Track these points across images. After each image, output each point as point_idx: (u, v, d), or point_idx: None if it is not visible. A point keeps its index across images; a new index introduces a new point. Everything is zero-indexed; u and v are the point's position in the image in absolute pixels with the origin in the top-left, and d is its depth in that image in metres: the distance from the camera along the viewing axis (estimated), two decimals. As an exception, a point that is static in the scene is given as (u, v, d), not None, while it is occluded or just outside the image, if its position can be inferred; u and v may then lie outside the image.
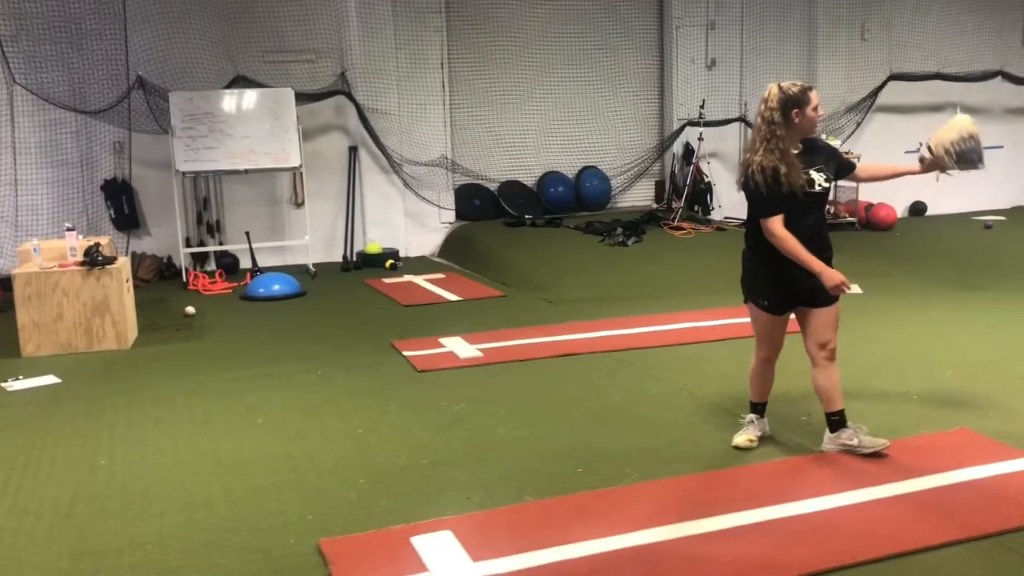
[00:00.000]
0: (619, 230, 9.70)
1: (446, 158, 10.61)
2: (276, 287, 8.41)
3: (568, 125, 11.24)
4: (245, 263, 9.66)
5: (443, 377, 5.63)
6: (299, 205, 10.14)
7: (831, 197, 11.57)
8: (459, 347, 6.22)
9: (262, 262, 9.41)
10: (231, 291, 8.73)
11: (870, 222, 11.51)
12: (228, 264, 9.67)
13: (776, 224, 3.91)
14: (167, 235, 9.57)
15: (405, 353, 6.14)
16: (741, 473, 4.02)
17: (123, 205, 9.51)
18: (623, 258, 8.95)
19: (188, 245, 9.47)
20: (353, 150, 10.31)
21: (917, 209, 12.74)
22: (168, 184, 9.33)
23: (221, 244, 9.85)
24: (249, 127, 9.16)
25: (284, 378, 5.71)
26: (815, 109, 3.94)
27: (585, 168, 11.30)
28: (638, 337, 6.37)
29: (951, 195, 12.87)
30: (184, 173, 9.12)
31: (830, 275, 3.89)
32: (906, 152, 12.56)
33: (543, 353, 6.04)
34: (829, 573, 3.12)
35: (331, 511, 3.76)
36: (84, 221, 9.15)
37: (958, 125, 4.11)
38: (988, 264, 9.13)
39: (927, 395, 5.01)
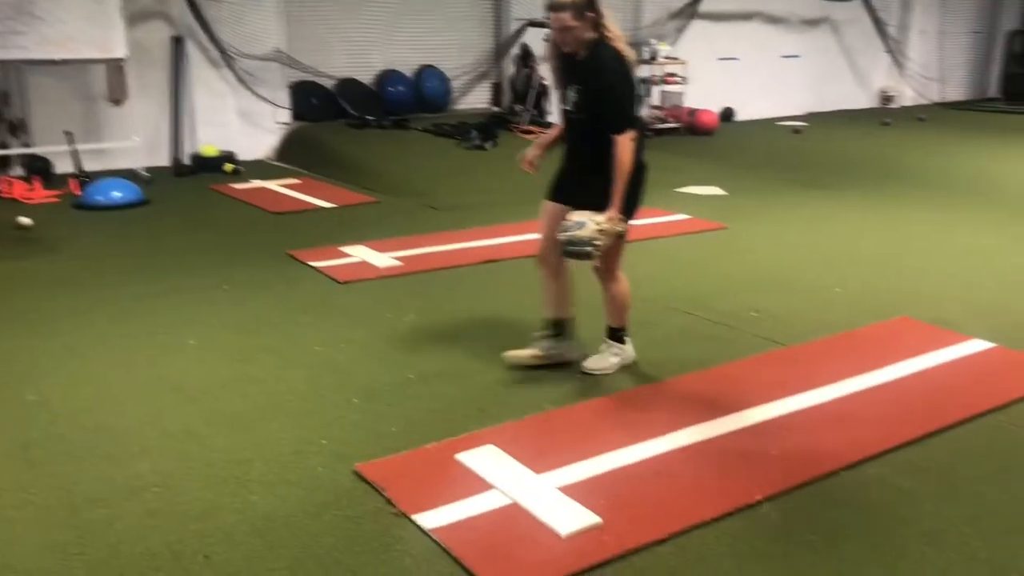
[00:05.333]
0: (474, 133, 9.49)
1: (281, 51, 9.83)
2: (116, 194, 7.53)
3: (407, 21, 10.75)
4: (60, 168, 8.55)
5: (371, 288, 5.31)
6: (118, 102, 9.05)
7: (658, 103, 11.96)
8: (370, 256, 5.88)
9: (79, 166, 8.36)
10: (58, 199, 7.72)
11: (693, 126, 12.01)
12: (40, 169, 8.49)
13: None
14: (-40, 135, 8.26)
15: (313, 264, 5.72)
16: (735, 369, 4.11)
17: (-100, 99, 8.06)
18: (487, 162, 8.80)
19: (-11, 147, 8.22)
20: (177, 41, 9.30)
21: (726, 115, 13.44)
22: (-40, 75, 8.00)
23: (27, 146, 8.63)
24: (64, 10, 7.98)
25: (189, 294, 5.14)
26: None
27: (424, 67, 10.89)
28: (550, 240, 6.31)
29: (755, 102, 13.72)
30: (-14, 62, 7.83)
31: None
32: (719, 59, 13.22)
33: (465, 260, 5.84)
34: (873, 459, 3.27)
35: (343, 435, 3.46)
36: None
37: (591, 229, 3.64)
38: (818, 165, 9.83)
39: (849, 288, 5.34)
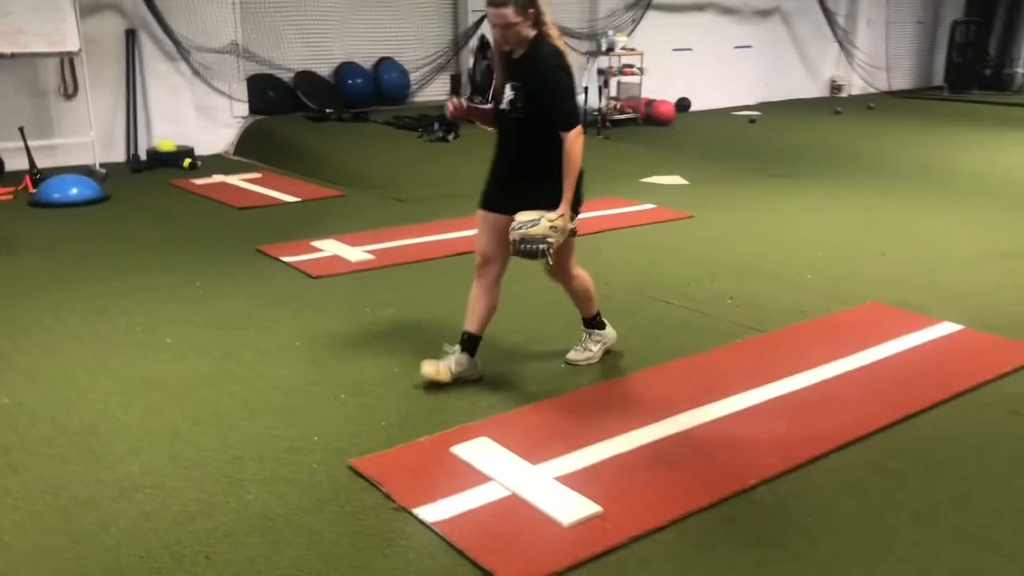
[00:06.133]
0: (436, 125, 9.46)
1: (236, 44, 9.68)
2: (74, 191, 7.36)
3: (365, 12, 10.66)
4: (12, 164, 8.33)
5: (346, 282, 5.27)
6: (70, 97, 8.85)
7: (613, 93, 12.00)
8: (341, 250, 5.84)
9: (31, 163, 8.15)
10: (11, 197, 7.52)
11: (651, 117, 12.10)
12: (-8, 166, 8.28)
13: None
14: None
15: (285, 259, 5.66)
16: (717, 356, 4.17)
17: None
18: (451, 154, 8.77)
19: (-64, 143, 7.97)
20: (131, 34, 9.10)
21: (682, 105, 13.54)
22: (-95, 69, 7.75)
23: (-24, 142, 8.39)
24: (13, 1, 7.76)
25: (161, 292, 5.06)
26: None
27: (383, 60, 10.82)
28: (521, 232, 6.32)
29: (710, 92, 13.87)
30: (-66, 56, 7.59)
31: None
32: (674, 50, 13.33)
33: (436, 253, 5.82)
34: (859, 442, 3.35)
35: (334, 430, 3.43)
36: None
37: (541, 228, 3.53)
38: (775, 154, 9.97)
39: (817, 274, 5.44)
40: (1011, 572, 2.60)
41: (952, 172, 8.94)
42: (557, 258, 3.69)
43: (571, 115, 3.56)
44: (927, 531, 2.79)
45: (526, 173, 3.64)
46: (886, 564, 2.63)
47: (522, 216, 3.54)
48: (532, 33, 3.54)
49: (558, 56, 3.56)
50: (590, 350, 4.09)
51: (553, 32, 3.58)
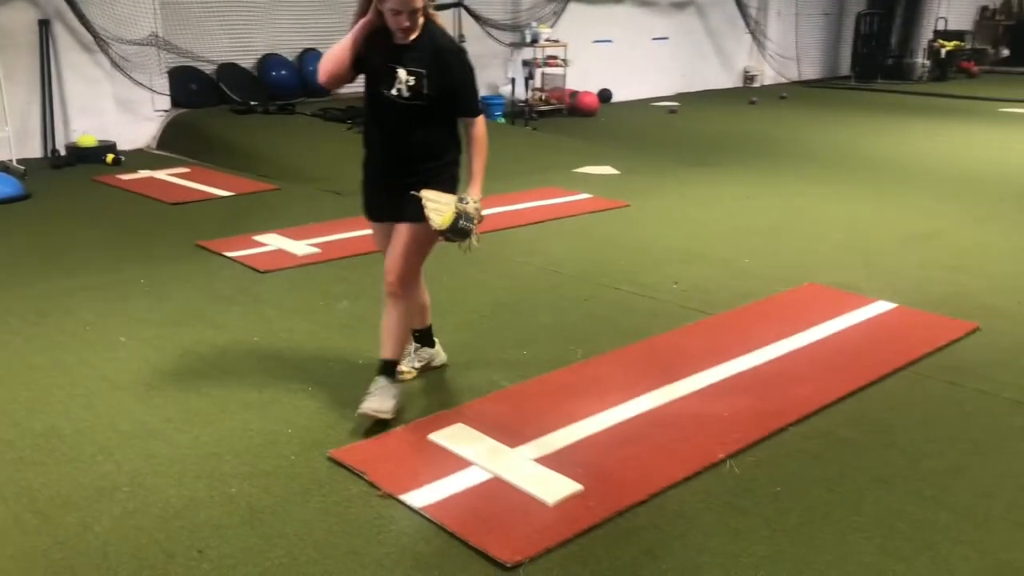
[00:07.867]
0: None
1: (157, 36, 9.44)
2: (-5, 189, 7.10)
3: (288, 3, 10.52)
4: (-78, 162, 7.99)
5: (294, 276, 5.25)
6: (-19, 91, 8.51)
7: (535, 84, 12.12)
8: (285, 244, 5.80)
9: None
10: (-74, 195, 7.21)
11: (576, 108, 12.26)
12: (-101, 163, 7.91)
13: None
14: None
15: (229, 254, 5.59)
16: (672, 338, 4.32)
17: None
18: (383, 145, 8.74)
19: None
20: (44, 24, 8.78)
21: (604, 96, 13.74)
22: None
23: None
24: (-79, -8, 7.43)
25: (106, 291, 4.95)
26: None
27: (307, 51, 10.70)
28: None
29: (629, 84, 14.13)
30: None
31: None
32: (593, 41, 13.53)
33: (383, 244, 5.83)
34: (815, 415, 3.54)
35: (306, 422, 3.45)
36: None
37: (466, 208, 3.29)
38: (697, 143, 10.23)
39: (755, 258, 5.65)
40: (967, 529, 2.80)
41: (866, 158, 9.34)
42: (407, 271, 3.49)
43: (478, 100, 3.47)
44: (887, 493, 2.98)
45: (422, 165, 3.37)
46: (854, 525, 2.80)
47: (437, 195, 3.27)
48: (423, 19, 3.34)
49: (455, 40, 3.47)
50: (390, 402, 3.43)
51: (437, 16, 3.44)
